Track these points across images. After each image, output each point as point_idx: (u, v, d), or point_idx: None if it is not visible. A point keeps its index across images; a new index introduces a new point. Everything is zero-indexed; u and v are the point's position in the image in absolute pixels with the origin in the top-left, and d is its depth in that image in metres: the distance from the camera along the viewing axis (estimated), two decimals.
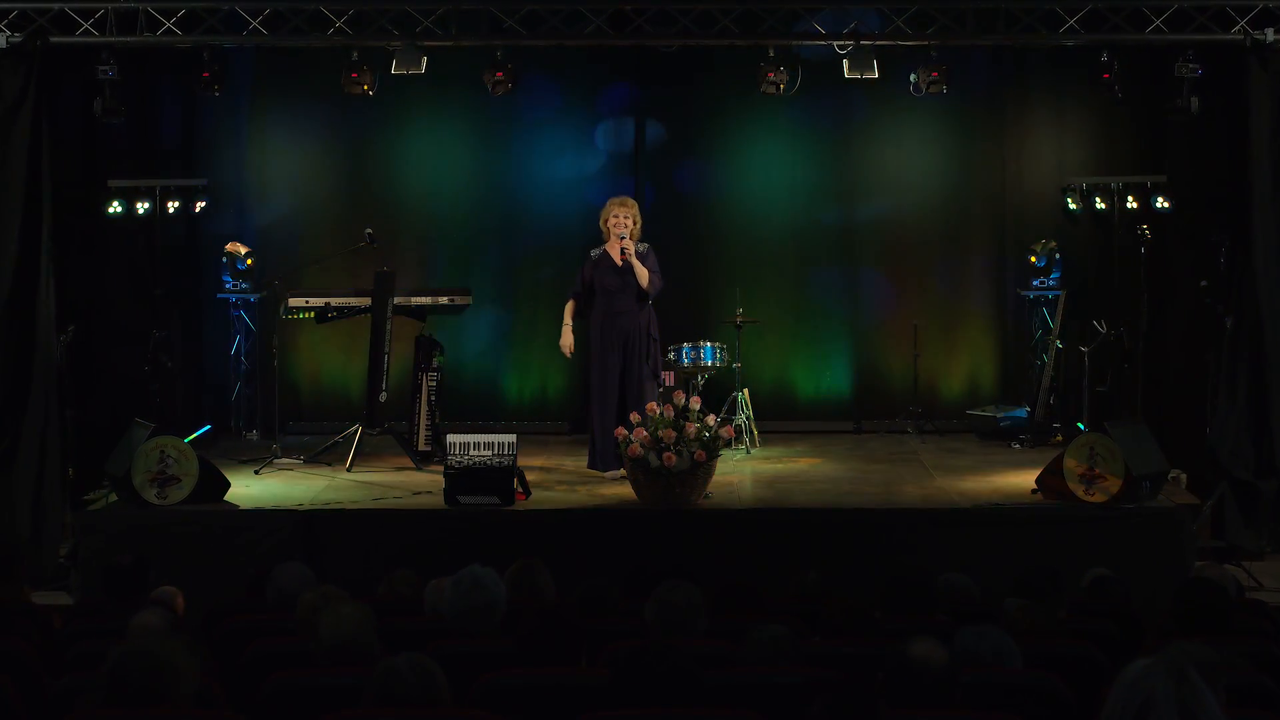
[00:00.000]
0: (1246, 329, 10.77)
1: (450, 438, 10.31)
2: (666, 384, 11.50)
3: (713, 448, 10.09)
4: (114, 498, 10.48)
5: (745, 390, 12.35)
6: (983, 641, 5.21)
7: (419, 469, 11.48)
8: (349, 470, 11.43)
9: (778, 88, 11.53)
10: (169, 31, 11.01)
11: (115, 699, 4.49)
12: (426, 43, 11.23)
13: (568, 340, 11.32)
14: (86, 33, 10.93)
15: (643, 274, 11.04)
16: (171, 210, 13.00)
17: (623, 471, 10.56)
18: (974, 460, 12.06)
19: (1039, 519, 10.04)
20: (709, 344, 12.15)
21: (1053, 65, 13.09)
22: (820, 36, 11.35)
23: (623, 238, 11.05)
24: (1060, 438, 12.36)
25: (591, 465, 11.23)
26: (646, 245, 11.19)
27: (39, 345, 10.52)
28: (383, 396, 11.83)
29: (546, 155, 13.52)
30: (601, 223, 11.23)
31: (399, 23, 11.23)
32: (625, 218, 11.11)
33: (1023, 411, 12.78)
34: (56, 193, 10.77)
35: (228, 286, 13.22)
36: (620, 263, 11.06)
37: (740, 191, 13.58)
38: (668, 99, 13.45)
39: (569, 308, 11.34)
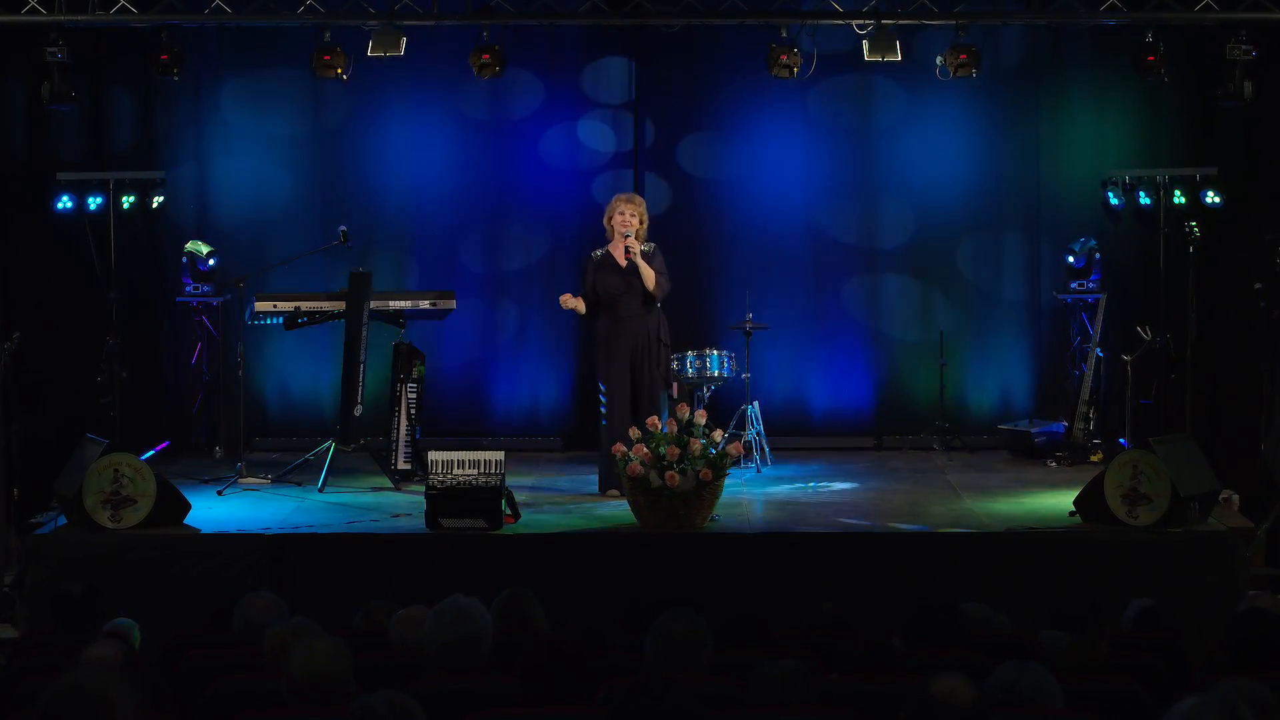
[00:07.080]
0: None
1: (432, 455, 10.31)
2: (673, 395, 11.48)
3: (719, 466, 10.09)
4: (63, 520, 10.48)
5: (755, 403, 12.37)
6: (1023, 676, 5.20)
7: (398, 489, 11.49)
8: (321, 491, 11.44)
9: (791, 71, 11.54)
10: (124, 10, 11.04)
11: None
12: (406, 21, 11.26)
13: (575, 302, 11.18)
14: (33, 11, 10.95)
15: (648, 274, 11.05)
16: (126, 206, 13.01)
17: (615, 492, 10.55)
18: (1006, 479, 12.07)
19: (1077, 544, 10.03)
20: (715, 352, 12.16)
21: (1093, 46, 13.11)
22: (837, 15, 11.37)
23: (627, 236, 11.06)
24: (1100, 455, 12.37)
25: (602, 489, 11.23)
26: (653, 245, 11.20)
27: None
28: (358, 410, 11.83)
29: (537, 146, 13.53)
30: (605, 220, 11.24)
31: None
32: (631, 215, 11.12)
33: (1059, 426, 12.78)
34: (0, 186, 10.79)
35: (188, 289, 13.22)
36: (624, 263, 11.08)
37: (750, 186, 13.57)
38: (670, 84, 13.47)
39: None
